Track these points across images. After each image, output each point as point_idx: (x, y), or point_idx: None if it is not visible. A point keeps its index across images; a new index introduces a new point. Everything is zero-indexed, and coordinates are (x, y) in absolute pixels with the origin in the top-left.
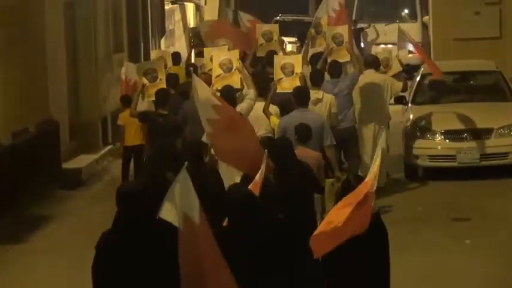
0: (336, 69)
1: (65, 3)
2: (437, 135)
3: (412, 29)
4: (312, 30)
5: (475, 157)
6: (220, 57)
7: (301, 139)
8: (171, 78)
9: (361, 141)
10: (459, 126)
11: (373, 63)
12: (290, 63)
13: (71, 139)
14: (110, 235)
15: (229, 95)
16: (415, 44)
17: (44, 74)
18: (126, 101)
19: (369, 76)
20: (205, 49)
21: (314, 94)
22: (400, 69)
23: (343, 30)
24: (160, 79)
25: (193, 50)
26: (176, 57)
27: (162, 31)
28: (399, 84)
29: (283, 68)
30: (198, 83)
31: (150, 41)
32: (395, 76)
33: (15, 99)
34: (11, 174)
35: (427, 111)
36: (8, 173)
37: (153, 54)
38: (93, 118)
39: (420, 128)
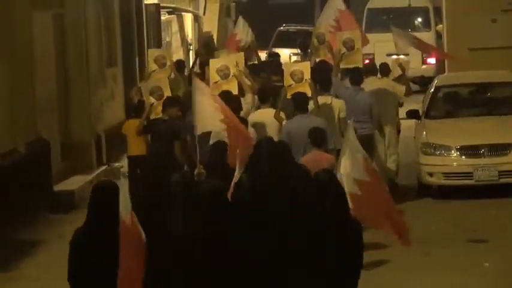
0: (358, 76)
1: (54, 15)
2: (453, 151)
3: (426, 38)
4: (315, 41)
5: (493, 174)
6: (217, 64)
7: (315, 142)
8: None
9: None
10: (476, 141)
11: (373, 70)
12: (299, 70)
13: (63, 159)
14: (81, 230)
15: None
16: (414, 40)
17: (32, 90)
18: (133, 110)
19: (372, 83)
20: (211, 60)
21: (322, 99)
22: (400, 73)
23: (353, 35)
24: (167, 96)
25: (198, 59)
26: (180, 64)
27: (158, 43)
28: (402, 89)
29: (292, 74)
30: (199, 86)
31: (146, 54)
32: (397, 80)
33: (2, 117)
34: None
35: (442, 125)
36: None
37: (151, 53)
38: (86, 137)
39: (434, 144)
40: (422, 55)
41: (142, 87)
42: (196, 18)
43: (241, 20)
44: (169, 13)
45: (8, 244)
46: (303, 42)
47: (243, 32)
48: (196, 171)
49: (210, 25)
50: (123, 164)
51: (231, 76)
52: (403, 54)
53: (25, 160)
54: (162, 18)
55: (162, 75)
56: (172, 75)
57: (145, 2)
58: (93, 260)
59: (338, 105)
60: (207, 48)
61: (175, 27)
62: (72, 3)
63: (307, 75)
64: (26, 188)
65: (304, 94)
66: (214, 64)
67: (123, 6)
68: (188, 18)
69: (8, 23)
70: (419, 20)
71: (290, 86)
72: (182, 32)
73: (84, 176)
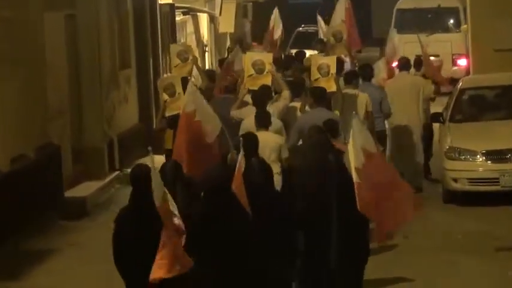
0: (367, 72)
1: (66, 16)
2: (478, 156)
3: (456, 39)
4: (331, 39)
5: None
6: (254, 58)
7: (333, 134)
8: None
9: (395, 142)
10: (502, 145)
11: (406, 65)
12: (326, 63)
13: (74, 165)
14: (124, 210)
15: (264, 94)
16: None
17: (44, 93)
18: None
19: (402, 78)
20: (247, 54)
21: (348, 91)
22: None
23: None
24: (179, 93)
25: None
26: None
27: None
28: (431, 87)
29: (319, 68)
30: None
31: (160, 55)
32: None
33: (12, 121)
34: (9, 204)
35: (467, 129)
36: (6, 202)
37: (173, 48)
38: (98, 141)
39: (459, 149)
40: (452, 56)
41: (158, 84)
42: (212, 19)
43: (275, 12)
44: (184, 13)
45: (19, 252)
46: (318, 41)
47: (277, 25)
48: (229, 156)
49: (227, 26)
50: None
51: (265, 72)
52: (433, 56)
53: (35, 165)
54: (177, 18)
55: (184, 70)
56: (195, 70)
57: (159, 2)
58: (136, 238)
59: (364, 99)
60: (239, 44)
61: (190, 28)
62: (84, 4)
63: (333, 69)
64: (36, 194)
65: (322, 88)
66: (250, 58)
67: (136, 7)
68: (203, 18)
69: (18, 24)
70: (449, 20)
71: (317, 79)
72: (197, 33)
73: (96, 182)
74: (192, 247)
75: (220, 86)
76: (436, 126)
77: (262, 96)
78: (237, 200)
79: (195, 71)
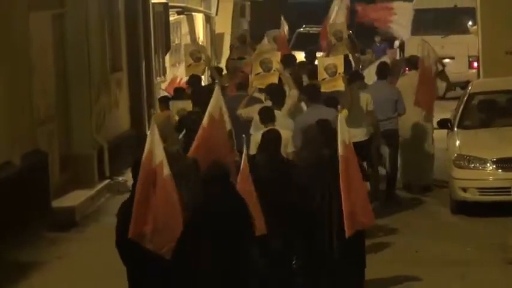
0: (384, 70)
1: (53, 15)
2: (489, 165)
3: (473, 40)
4: (332, 38)
5: None
6: (262, 56)
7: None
8: (192, 80)
9: (405, 139)
10: None
11: (415, 64)
12: (333, 63)
13: (62, 173)
14: (126, 202)
15: (279, 92)
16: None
17: (30, 97)
18: (165, 102)
19: (412, 76)
20: (255, 53)
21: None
22: (440, 68)
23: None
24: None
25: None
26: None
27: (166, 46)
28: (441, 85)
29: (326, 68)
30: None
31: (153, 57)
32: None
33: None
34: None
35: (476, 136)
36: None
37: (186, 48)
38: (87, 148)
39: (468, 156)
40: (468, 59)
41: (171, 106)
42: (208, 19)
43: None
44: (178, 13)
45: (2, 265)
46: (312, 50)
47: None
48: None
49: (223, 26)
50: (128, 177)
51: (273, 70)
52: (449, 58)
53: (21, 173)
54: (171, 18)
55: (197, 69)
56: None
57: (152, 1)
58: None
59: (365, 98)
60: (242, 42)
61: (185, 28)
62: (73, 2)
63: (341, 69)
64: (21, 204)
65: (313, 85)
66: (258, 55)
67: (128, 6)
68: (199, 18)
69: (1, 24)
70: (466, 21)
71: (324, 79)
72: (193, 33)
73: (85, 191)
74: (191, 237)
75: (233, 83)
76: (444, 132)
77: (278, 92)
78: (235, 189)
79: None
